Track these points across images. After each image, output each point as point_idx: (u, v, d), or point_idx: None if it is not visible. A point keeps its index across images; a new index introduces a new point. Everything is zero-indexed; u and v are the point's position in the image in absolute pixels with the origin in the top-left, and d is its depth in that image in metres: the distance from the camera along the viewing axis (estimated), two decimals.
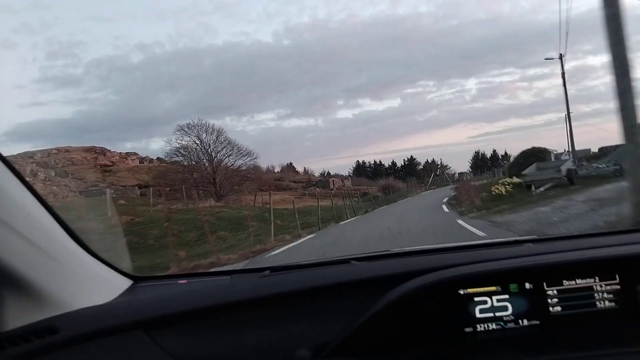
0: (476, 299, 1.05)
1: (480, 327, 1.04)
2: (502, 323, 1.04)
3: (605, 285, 1.06)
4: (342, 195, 27.84)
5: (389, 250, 1.46)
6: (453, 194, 26.25)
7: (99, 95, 59.00)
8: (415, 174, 66.19)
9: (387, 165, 76.84)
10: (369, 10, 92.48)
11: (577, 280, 1.06)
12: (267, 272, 1.29)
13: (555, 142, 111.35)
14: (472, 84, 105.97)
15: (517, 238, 1.51)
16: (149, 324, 1.04)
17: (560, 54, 23.54)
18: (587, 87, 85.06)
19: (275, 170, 58.94)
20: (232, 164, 34.24)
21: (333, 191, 47.02)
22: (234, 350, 1.04)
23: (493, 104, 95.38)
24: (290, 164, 64.68)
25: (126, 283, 1.28)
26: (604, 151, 33.85)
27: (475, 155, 75.53)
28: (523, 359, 1.01)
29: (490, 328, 1.04)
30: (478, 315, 1.04)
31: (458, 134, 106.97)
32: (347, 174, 67.45)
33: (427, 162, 75.17)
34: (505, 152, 70.79)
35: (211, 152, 33.23)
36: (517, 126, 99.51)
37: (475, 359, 1.02)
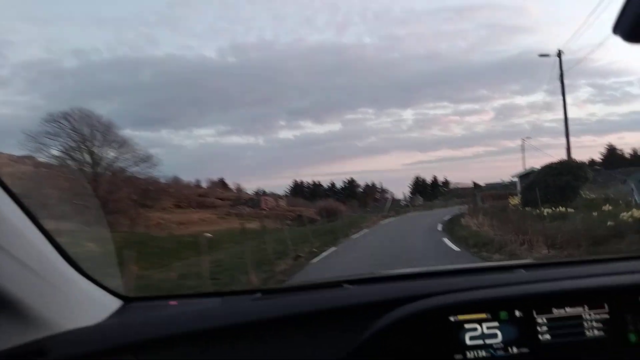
0: (466, 325, 1.06)
1: (470, 354, 1.04)
2: (491, 350, 1.05)
3: (595, 314, 1.07)
4: (273, 217, 20.47)
5: (380, 273, 1.48)
6: (439, 225, 18.64)
7: (25, 99, 51.51)
8: (355, 197, 62.59)
9: (326, 187, 71.79)
10: (315, 37, 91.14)
11: (566, 308, 1.07)
12: (259, 294, 1.28)
13: (484, 173, 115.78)
14: (408, 114, 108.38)
15: (510, 263, 1.56)
16: (139, 347, 1.03)
17: (559, 50, 18.80)
18: (513, 124, 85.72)
19: (203, 185, 50.72)
20: (122, 171, 25.13)
21: (265, 211, 40.18)
22: None
23: (427, 134, 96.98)
24: (222, 179, 56.67)
25: (117, 303, 1.26)
26: None
27: (415, 181, 73.46)
28: None
29: (480, 355, 1.04)
30: (468, 342, 1.05)
31: (394, 160, 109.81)
32: (283, 194, 60.72)
33: (367, 185, 71.66)
34: (446, 179, 72.46)
35: (96, 152, 23.84)
36: (449, 157, 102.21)
37: None
